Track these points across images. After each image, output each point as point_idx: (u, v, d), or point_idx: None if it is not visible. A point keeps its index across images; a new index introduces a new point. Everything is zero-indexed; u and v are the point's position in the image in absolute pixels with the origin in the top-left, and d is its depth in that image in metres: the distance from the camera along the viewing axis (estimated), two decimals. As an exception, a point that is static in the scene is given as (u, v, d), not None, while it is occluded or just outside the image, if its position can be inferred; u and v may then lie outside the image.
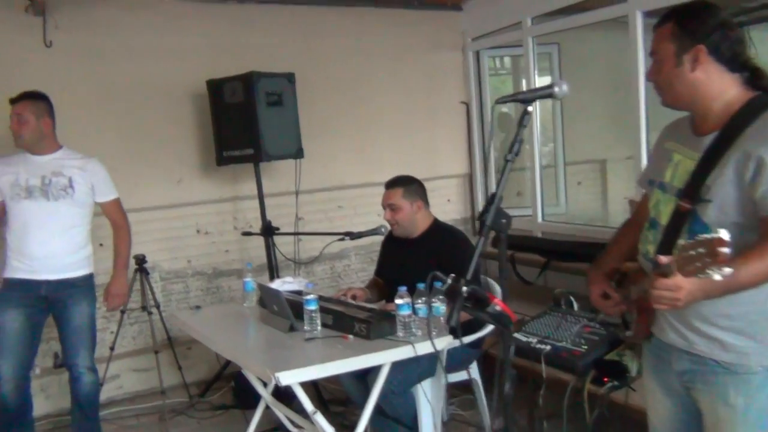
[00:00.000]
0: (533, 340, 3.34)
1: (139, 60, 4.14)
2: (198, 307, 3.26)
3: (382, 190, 5.21)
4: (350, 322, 2.70)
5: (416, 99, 5.15)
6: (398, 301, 2.58)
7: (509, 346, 1.60)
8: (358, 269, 5.04)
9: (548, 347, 3.24)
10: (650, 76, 1.73)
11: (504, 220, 1.55)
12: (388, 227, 3.15)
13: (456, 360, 3.03)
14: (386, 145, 5.04)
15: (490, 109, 5.21)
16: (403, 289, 2.58)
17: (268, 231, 3.79)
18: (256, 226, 4.55)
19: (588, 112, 5.64)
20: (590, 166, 6.09)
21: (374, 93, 4.99)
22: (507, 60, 5.71)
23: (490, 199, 1.55)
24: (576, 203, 5.74)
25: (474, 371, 3.22)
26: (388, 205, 3.11)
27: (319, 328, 2.75)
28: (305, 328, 2.76)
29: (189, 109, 4.31)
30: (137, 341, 4.35)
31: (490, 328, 3.12)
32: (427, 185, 5.34)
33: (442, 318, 2.63)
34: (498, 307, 1.49)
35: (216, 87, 4.00)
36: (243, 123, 3.89)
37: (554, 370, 3.16)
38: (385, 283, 3.30)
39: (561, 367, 3.13)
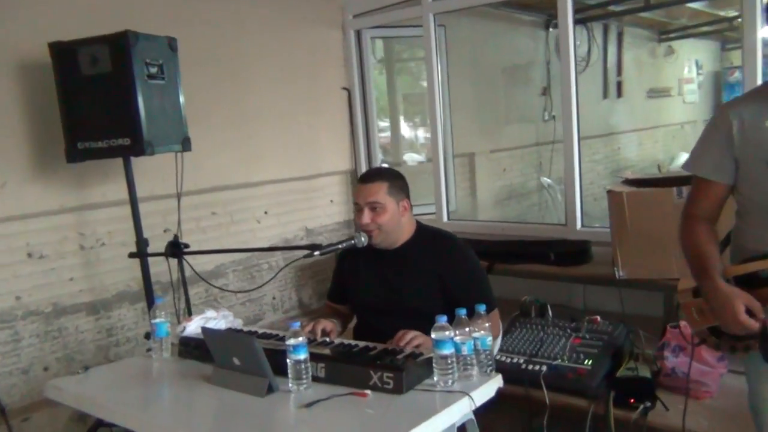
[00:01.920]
0: (519, 359, 2.82)
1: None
2: (86, 368, 2.21)
3: (261, 191, 4.39)
4: (363, 371, 1.92)
5: (297, 83, 4.37)
6: (437, 335, 1.87)
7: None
8: (237, 289, 4.11)
9: (543, 367, 2.74)
10: None
11: None
12: (363, 238, 2.36)
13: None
14: (266, 137, 4.20)
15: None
16: (442, 319, 1.88)
17: (175, 249, 2.76)
18: (111, 242, 3.48)
19: (458, 103, 5.32)
20: (460, 160, 5.77)
21: (253, 74, 4.11)
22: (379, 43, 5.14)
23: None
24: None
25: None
26: (368, 204, 2.34)
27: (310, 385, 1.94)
28: (290, 386, 1.93)
29: (19, 84, 3.07)
30: (-58, 420, 3.01)
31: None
32: (311, 184, 4.64)
33: (488, 353, 1.99)
34: None
35: (66, 53, 2.85)
36: (112, 103, 2.83)
37: (556, 394, 2.67)
38: (355, 311, 2.53)
39: (567, 390, 2.65)
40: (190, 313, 2.85)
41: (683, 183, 2.82)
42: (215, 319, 2.49)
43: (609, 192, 2.97)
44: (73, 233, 3.38)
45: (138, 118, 2.80)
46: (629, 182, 3.11)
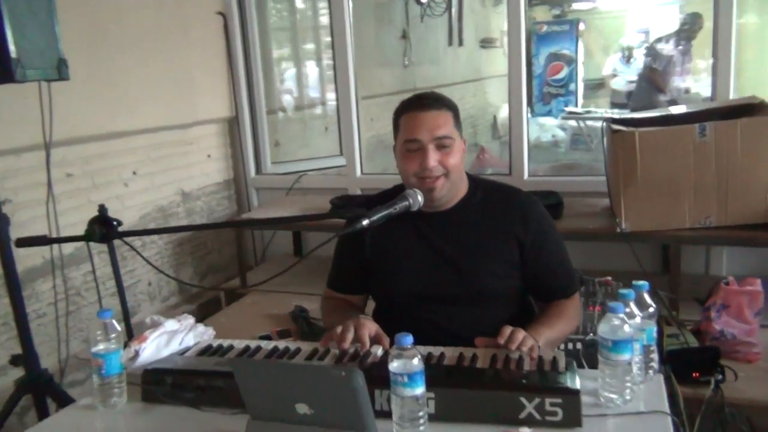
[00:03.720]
0: (543, 338, 2.32)
1: None
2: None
3: (128, 145, 3.28)
4: (507, 398, 1.27)
5: (164, 4, 3.33)
6: (614, 334, 1.29)
7: None
8: (105, 277, 3.06)
9: (578, 345, 2.27)
10: None
11: None
12: (420, 197, 1.62)
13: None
14: (131, 74, 3.15)
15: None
16: (621, 309, 1.30)
17: (109, 230, 1.71)
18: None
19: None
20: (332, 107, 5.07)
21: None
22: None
23: None
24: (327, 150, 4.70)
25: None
26: (435, 140, 1.60)
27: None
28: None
29: None
30: None
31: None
32: (185, 135, 3.63)
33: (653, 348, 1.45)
34: None
35: None
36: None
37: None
38: (388, 301, 1.79)
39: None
40: (130, 333, 1.86)
41: (699, 119, 2.50)
42: (181, 332, 1.63)
43: (616, 132, 2.55)
44: None
45: (1, 27, 1.74)
46: (621, 122, 2.72)
